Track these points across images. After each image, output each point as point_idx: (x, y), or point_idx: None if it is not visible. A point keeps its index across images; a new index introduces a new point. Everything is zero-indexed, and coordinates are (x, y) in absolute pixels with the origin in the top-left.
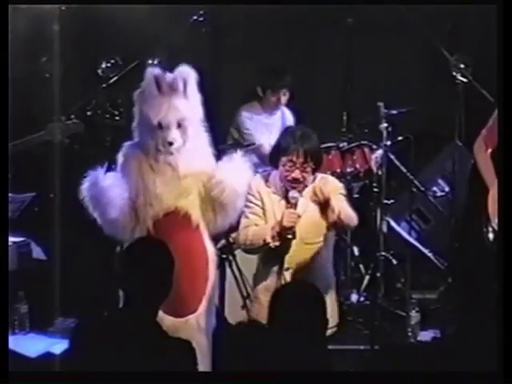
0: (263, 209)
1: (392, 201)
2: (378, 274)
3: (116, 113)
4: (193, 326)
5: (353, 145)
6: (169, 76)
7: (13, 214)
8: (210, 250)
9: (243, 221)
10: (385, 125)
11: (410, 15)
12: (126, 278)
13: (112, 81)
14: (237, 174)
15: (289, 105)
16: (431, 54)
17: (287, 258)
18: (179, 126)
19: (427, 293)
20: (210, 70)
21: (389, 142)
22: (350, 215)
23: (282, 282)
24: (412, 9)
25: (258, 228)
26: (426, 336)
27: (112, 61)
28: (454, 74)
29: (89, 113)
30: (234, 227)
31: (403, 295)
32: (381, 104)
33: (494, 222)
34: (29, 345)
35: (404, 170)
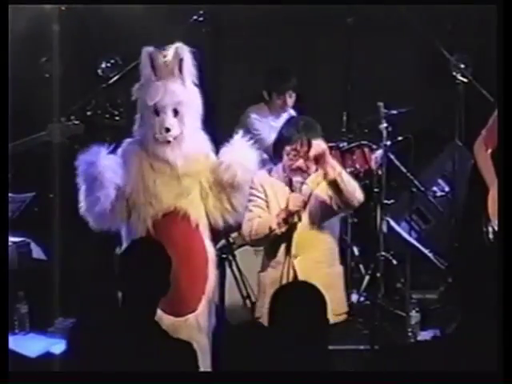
0: (266, 201)
1: (392, 201)
2: (378, 274)
3: (116, 113)
4: (192, 326)
5: (353, 145)
6: (164, 54)
7: (13, 214)
8: (210, 249)
9: (247, 214)
10: (385, 125)
11: (409, 15)
12: (123, 279)
13: (112, 81)
14: (242, 152)
15: (295, 107)
16: (431, 54)
17: (294, 245)
18: (176, 113)
19: (427, 293)
20: (209, 70)
21: (389, 142)
22: (356, 188)
23: (291, 271)
24: (412, 9)
25: (262, 219)
26: (426, 336)
27: (112, 61)
28: (454, 74)
29: (89, 113)
30: (236, 227)
31: (403, 295)
32: (381, 104)
33: (494, 221)
34: (29, 345)
35: (404, 169)
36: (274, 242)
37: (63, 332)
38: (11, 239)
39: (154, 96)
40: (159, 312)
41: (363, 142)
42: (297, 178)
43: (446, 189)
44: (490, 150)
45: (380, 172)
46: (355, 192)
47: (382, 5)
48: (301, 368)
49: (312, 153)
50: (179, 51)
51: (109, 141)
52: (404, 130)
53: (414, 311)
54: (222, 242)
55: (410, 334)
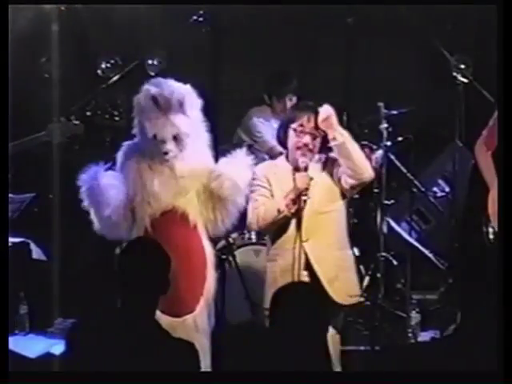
0: (271, 191)
1: (392, 201)
2: (379, 275)
3: (116, 113)
4: (190, 326)
5: None
6: (165, 93)
7: (12, 215)
8: (208, 249)
9: (252, 205)
10: (385, 125)
11: (409, 15)
12: (122, 278)
13: (112, 81)
14: (238, 168)
15: None
16: (431, 54)
17: (304, 229)
18: (175, 138)
19: (427, 293)
20: (209, 70)
21: (389, 143)
22: (364, 158)
23: (303, 255)
24: (412, 9)
25: (269, 204)
26: (426, 336)
27: (112, 61)
28: (454, 74)
29: (88, 113)
30: (236, 226)
31: (403, 296)
32: (381, 104)
33: (494, 222)
34: (29, 345)
35: (404, 170)
36: (282, 229)
37: (63, 332)
38: (11, 239)
39: (154, 127)
40: (157, 312)
41: (363, 143)
42: (303, 159)
43: (447, 189)
44: (490, 151)
45: (380, 172)
46: (364, 162)
47: (382, 5)
48: (301, 368)
49: (320, 117)
50: (180, 96)
51: (109, 141)
52: (404, 130)
53: (414, 312)
54: (222, 242)
55: (410, 334)
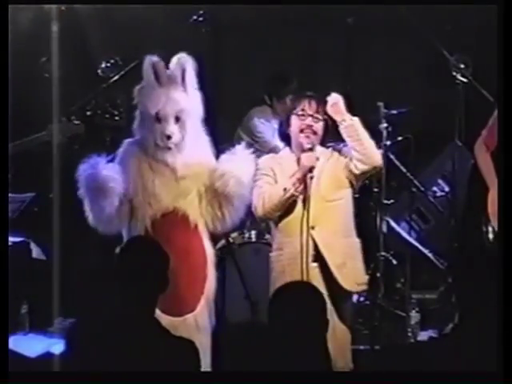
0: (275, 179)
1: (392, 201)
2: (378, 274)
3: (116, 113)
4: (191, 326)
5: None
6: (167, 64)
7: (13, 214)
8: (209, 249)
9: (257, 192)
10: (385, 125)
11: (409, 15)
12: (121, 277)
13: (112, 81)
14: (240, 164)
15: None
16: (431, 54)
17: (311, 217)
18: (177, 119)
19: (427, 293)
20: (209, 71)
21: (389, 142)
22: (372, 142)
23: (311, 242)
24: (412, 9)
25: (275, 186)
26: (425, 336)
27: (112, 61)
28: (454, 74)
29: (88, 113)
30: (243, 220)
31: (403, 295)
32: (381, 104)
33: (494, 222)
34: (29, 345)
35: (404, 169)
36: (289, 215)
37: (63, 332)
38: (11, 239)
39: (156, 104)
40: (158, 312)
41: None
42: (307, 140)
43: (446, 189)
44: (490, 151)
45: (380, 172)
46: (374, 146)
47: (382, 5)
48: (301, 368)
49: (329, 103)
50: (182, 62)
51: (109, 141)
52: (404, 130)
53: (413, 311)
54: (222, 242)
55: (409, 334)
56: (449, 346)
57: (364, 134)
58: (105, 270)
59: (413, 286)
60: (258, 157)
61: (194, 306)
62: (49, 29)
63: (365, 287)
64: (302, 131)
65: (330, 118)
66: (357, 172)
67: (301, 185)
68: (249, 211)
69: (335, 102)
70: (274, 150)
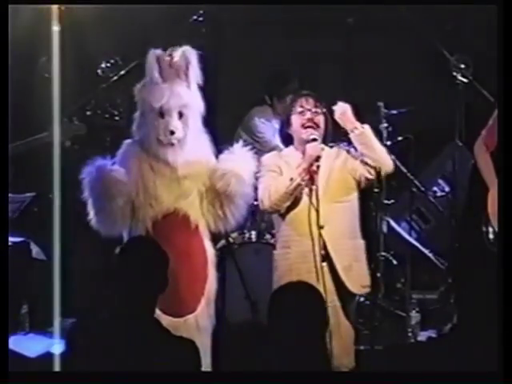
0: (281, 174)
1: (392, 201)
2: (378, 275)
3: (116, 113)
4: (192, 326)
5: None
6: (171, 56)
7: (13, 214)
8: (209, 250)
9: (262, 185)
10: (385, 125)
11: (410, 15)
12: (120, 277)
13: (112, 81)
14: (240, 162)
15: None
16: (431, 54)
17: (321, 216)
18: (181, 115)
19: (427, 293)
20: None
21: (389, 142)
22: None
23: (321, 241)
24: (412, 9)
25: (280, 177)
26: (425, 336)
27: (112, 61)
28: (454, 74)
29: (88, 113)
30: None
31: (403, 295)
32: (381, 104)
33: (494, 222)
34: (29, 345)
35: (404, 170)
36: (297, 209)
37: (63, 332)
38: (11, 239)
39: (160, 98)
40: (158, 312)
41: None
42: (310, 131)
43: (446, 189)
44: (490, 151)
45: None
46: (385, 152)
47: (382, 5)
48: (301, 368)
49: (336, 114)
50: (187, 54)
51: (109, 141)
52: (404, 130)
53: (414, 311)
54: (222, 242)
55: (410, 334)
56: (449, 346)
57: (375, 141)
58: (105, 270)
59: (413, 286)
60: (258, 155)
61: (195, 306)
62: (49, 29)
63: (369, 289)
64: (303, 126)
65: (336, 123)
66: (370, 177)
67: (307, 175)
68: (251, 209)
69: (344, 111)
70: (274, 149)
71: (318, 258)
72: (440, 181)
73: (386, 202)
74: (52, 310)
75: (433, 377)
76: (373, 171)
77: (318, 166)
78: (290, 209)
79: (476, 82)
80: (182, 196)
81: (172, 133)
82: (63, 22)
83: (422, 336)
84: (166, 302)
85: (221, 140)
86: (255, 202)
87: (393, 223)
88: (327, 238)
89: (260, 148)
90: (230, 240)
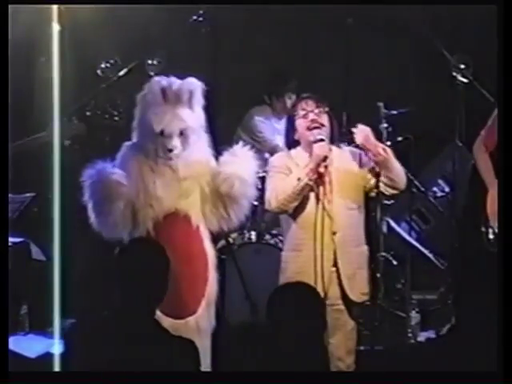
0: (290, 173)
1: (392, 201)
2: (378, 275)
3: (115, 113)
4: (192, 328)
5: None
6: (175, 86)
7: (12, 215)
8: (210, 251)
9: (270, 186)
10: (385, 125)
11: (410, 15)
12: (120, 278)
13: (112, 81)
14: (242, 164)
15: None
16: (431, 54)
17: (334, 223)
18: (181, 134)
19: (427, 293)
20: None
21: (389, 143)
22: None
23: (332, 246)
24: (412, 9)
25: (288, 178)
26: (425, 336)
27: (112, 61)
28: (454, 74)
29: (88, 113)
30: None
31: (403, 296)
32: (381, 104)
33: (494, 222)
34: (29, 345)
35: (404, 170)
36: (307, 210)
37: (63, 332)
38: (10, 239)
39: (161, 121)
40: (159, 314)
41: None
42: (317, 131)
43: (446, 189)
44: (489, 151)
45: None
46: (402, 174)
47: (381, 5)
48: (301, 368)
49: (359, 139)
50: (191, 87)
51: (108, 141)
52: (404, 130)
53: (414, 312)
54: (222, 242)
55: (410, 334)
56: (449, 346)
57: (396, 165)
58: (105, 271)
59: (413, 286)
60: (259, 155)
61: (196, 308)
62: (49, 29)
63: (368, 297)
64: (309, 129)
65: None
66: (386, 194)
67: (314, 175)
68: (251, 209)
69: (366, 136)
70: (274, 148)
71: (327, 264)
72: (440, 181)
73: (385, 202)
74: (52, 310)
75: (433, 377)
76: (389, 189)
77: (326, 166)
78: (302, 211)
79: (476, 82)
80: (182, 196)
81: (170, 151)
82: (63, 22)
83: (422, 336)
84: (166, 303)
85: (221, 140)
86: (255, 203)
87: (393, 223)
88: (338, 244)
89: (260, 147)
90: (230, 240)
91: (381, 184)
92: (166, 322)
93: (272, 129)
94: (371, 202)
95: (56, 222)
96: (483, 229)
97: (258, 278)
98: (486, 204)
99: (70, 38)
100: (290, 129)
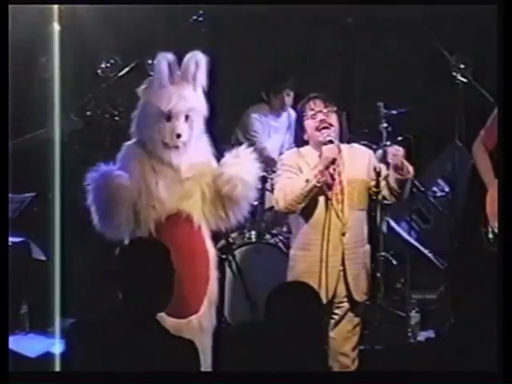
0: (300, 174)
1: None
2: (378, 275)
3: (115, 113)
4: (195, 327)
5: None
6: (181, 61)
7: (12, 214)
8: (211, 250)
9: (278, 185)
10: (385, 125)
11: (410, 15)
12: (120, 278)
13: (112, 81)
14: (244, 165)
15: (295, 106)
16: (431, 54)
17: (343, 223)
18: (187, 118)
19: (427, 293)
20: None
21: (388, 143)
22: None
23: (340, 247)
24: (412, 9)
25: (296, 179)
26: (425, 336)
27: (112, 61)
28: (454, 74)
29: (88, 113)
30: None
31: (403, 295)
32: (381, 104)
33: (493, 222)
34: (29, 345)
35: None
36: (325, 216)
37: (63, 332)
38: (10, 239)
39: (169, 102)
40: (161, 313)
41: (363, 143)
42: (326, 132)
43: (446, 189)
44: (488, 151)
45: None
46: (409, 187)
47: (382, 5)
48: (300, 368)
49: (391, 160)
50: (197, 59)
51: (108, 141)
52: (404, 130)
53: (413, 311)
54: (222, 242)
55: (409, 334)
56: (449, 345)
57: (409, 183)
58: (105, 271)
59: (413, 286)
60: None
61: (198, 307)
62: (49, 29)
63: (368, 296)
64: (317, 129)
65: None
66: (386, 197)
67: (323, 176)
68: (251, 209)
69: (397, 157)
70: (263, 151)
71: (336, 263)
72: (440, 181)
73: (385, 202)
74: (52, 310)
75: (433, 377)
76: (392, 197)
77: (335, 169)
78: (312, 211)
79: (476, 82)
80: (184, 197)
81: (179, 136)
82: (63, 22)
83: (422, 336)
84: (169, 303)
85: (221, 140)
86: (255, 203)
87: (393, 223)
88: (346, 245)
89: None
90: (230, 240)
91: (386, 191)
92: (169, 321)
93: (268, 126)
94: (371, 202)
95: (56, 222)
96: (483, 229)
97: (258, 277)
98: (486, 204)
99: (69, 38)
100: (299, 129)
